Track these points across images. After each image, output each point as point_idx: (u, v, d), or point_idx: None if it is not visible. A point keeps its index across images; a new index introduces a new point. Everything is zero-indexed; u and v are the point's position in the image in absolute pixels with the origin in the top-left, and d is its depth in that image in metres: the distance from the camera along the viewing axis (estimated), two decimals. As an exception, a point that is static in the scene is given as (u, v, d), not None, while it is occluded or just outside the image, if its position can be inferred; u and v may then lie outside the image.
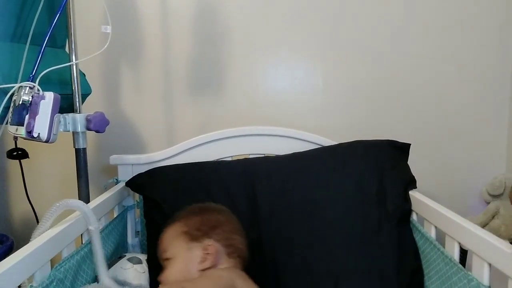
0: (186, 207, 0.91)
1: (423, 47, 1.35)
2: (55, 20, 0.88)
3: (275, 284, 0.97)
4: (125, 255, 0.96)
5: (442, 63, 1.36)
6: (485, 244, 0.69)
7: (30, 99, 0.82)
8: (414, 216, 1.03)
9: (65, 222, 0.78)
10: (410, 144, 1.13)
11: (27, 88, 0.83)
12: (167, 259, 0.83)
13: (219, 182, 1.06)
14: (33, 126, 0.81)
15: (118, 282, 0.87)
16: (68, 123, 0.94)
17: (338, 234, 1.01)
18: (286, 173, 1.09)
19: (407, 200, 1.03)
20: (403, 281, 0.95)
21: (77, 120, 0.96)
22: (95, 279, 0.85)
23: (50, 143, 0.85)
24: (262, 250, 1.00)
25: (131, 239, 1.14)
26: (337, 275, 0.96)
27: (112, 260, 0.94)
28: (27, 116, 0.83)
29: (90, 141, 1.07)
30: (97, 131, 0.96)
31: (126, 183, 1.12)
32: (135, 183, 1.09)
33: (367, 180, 1.06)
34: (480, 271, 0.70)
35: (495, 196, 1.33)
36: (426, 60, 1.36)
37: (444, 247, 0.85)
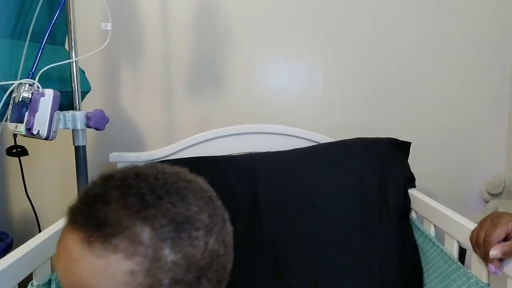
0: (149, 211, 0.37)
1: (423, 47, 1.35)
2: (55, 17, 0.88)
3: (276, 278, 0.97)
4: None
5: (442, 62, 1.36)
6: (485, 242, 0.69)
7: (30, 96, 0.82)
8: (413, 215, 1.03)
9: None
10: (410, 143, 1.14)
11: (27, 85, 0.83)
12: None
13: (220, 175, 1.07)
14: (33, 123, 0.81)
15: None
16: (68, 121, 0.94)
17: (339, 229, 1.01)
18: (288, 168, 1.09)
19: (407, 197, 1.04)
20: (404, 277, 0.95)
21: (76, 117, 0.95)
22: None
23: (49, 140, 0.85)
24: (263, 244, 1.00)
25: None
26: (338, 270, 0.97)
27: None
28: (26, 113, 0.83)
29: (89, 138, 1.06)
30: (96, 129, 0.96)
31: None
32: None
33: (368, 176, 1.06)
34: (480, 269, 0.70)
35: (495, 195, 1.33)
36: (426, 60, 1.36)
37: (443, 245, 0.85)
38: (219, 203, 0.43)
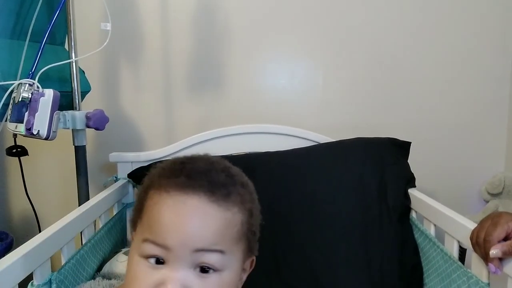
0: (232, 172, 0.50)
1: (423, 46, 1.35)
2: (54, 17, 0.88)
3: (276, 278, 0.97)
4: (121, 250, 0.96)
5: (441, 62, 1.36)
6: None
7: (30, 96, 0.82)
8: (413, 214, 1.03)
9: (65, 219, 0.77)
10: (410, 143, 1.14)
11: (27, 85, 0.83)
12: (208, 266, 0.44)
13: None
14: (33, 123, 0.81)
15: (114, 275, 0.87)
16: (68, 121, 0.94)
17: (339, 229, 1.01)
18: (287, 167, 1.09)
19: (407, 197, 1.04)
20: (404, 276, 0.95)
21: (76, 117, 0.96)
22: (93, 277, 0.85)
23: (49, 140, 0.85)
24: (262, 244, 0.99)
25: (130, 235, 1.14)
26: (338, 270, 0.97)
27: (109, 255, 0.95)
28: (26, 113, 0.83)
29: (89, 138, 1.06)
30: (96, 129, 0.96)
31: (128, 174, 1.13)
32: (137, 175, 1.10)
33: (368, 176, 1.06)
34: (480, 269, 0.70)
35: (494, 195, 1.33)
36: (426, 59, 1.36)
37: (443, 245, 0.85)
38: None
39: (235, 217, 0.46)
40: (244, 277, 0.52)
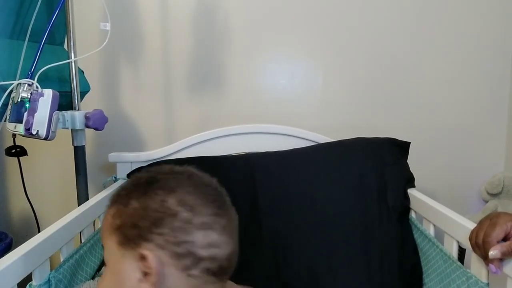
0: (136, 176, 0.55)
1: (423, 46, 1.35)
2: (54, 17, 0.88)
3: (275, 277, 0.97)
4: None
5: (441, 62, 1.36)
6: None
7: (29, 96, 0.82)
8: (413, 214, 1.03)
9: (64, 219, 0.77)
10: (410, 143, 1.14)
11: (26, 85, 0.83)
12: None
13: (219, 175, 1.06)
14: (32, 124, 0.81)
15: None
16: (67, 121, 0.94)
17: (338, 229, 1.01)
18: (287, 167, 1.09)
19: (406, 197, 1.04)
20: (404, 276, 0.95)
21: (76, 117, 0.95)
22: (92, 277, 0.85)
23: (49, 140, 0.85)
24: (262, 244, 1.00)
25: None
26: (337, 270, 0.97)
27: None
28: (25, 113, 0.82)
29: (89, 138, 1.06)
30: (96, 129, 0.96)
31: (127, 174, 1.13)
32: None
33: (368, 176, 1.06)
34: (479, 269, 0.70)
35: (494, 195, 1.33)
36: (425, 59, 1.36)
37: (442, 245, 0.85)
38: (214, 186, 0.61)
39: (108, 212, 0.53)
40: (148, 275, 0.47)
